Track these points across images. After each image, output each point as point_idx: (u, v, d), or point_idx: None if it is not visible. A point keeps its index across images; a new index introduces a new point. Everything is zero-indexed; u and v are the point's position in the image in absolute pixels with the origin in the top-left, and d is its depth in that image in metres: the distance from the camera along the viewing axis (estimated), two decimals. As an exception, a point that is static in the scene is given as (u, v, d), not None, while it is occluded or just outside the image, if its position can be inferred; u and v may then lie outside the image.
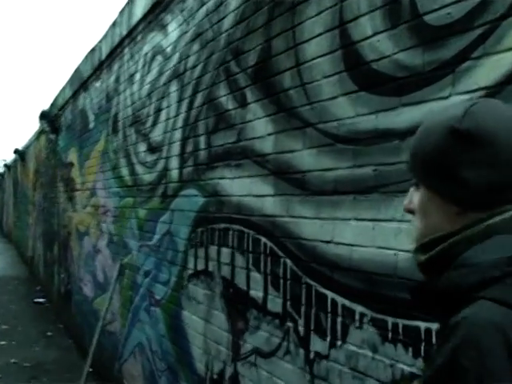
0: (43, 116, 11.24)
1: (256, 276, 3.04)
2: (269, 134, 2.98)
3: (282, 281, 2.79)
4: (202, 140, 3.89)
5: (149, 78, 5.24)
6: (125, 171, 5.82)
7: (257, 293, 3.02)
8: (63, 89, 10.53)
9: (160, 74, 4.90)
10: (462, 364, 0.83)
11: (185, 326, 4.04)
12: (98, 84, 7.51)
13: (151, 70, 5.18)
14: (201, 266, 3.82)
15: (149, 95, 5.20)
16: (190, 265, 4.01)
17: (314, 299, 2.54)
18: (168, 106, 4.64)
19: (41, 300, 11.23)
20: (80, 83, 8.72)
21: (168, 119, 4.63)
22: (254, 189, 3.08)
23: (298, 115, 2.72)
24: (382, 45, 2.17)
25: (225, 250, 3.43)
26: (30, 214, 16.38)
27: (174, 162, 4.42)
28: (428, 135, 1.05)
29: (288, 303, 2.73)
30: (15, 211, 22.89)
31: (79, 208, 8.39)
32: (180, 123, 4.34)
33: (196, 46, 4.07)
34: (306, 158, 2.64)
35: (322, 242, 2.48)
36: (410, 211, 1.14)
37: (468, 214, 1.01)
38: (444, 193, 1.03)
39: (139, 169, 5.33)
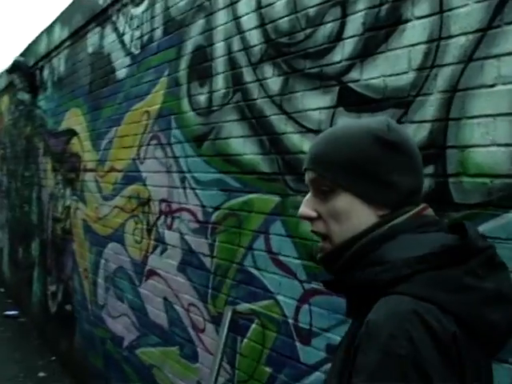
0: (16, 68, 8.30)
1: None
2: None
3: None
4: None
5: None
6: (241, 145, 3.24)
7: None
8: (48, 29, 7.66)
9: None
10: (399, 353, 0.90)
11: None
12: (139, 10, 4.81)
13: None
14: None
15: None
16: None
17: None
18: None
19: (13, 313, 8.38)
20: (91, 15, 5.94)
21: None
22: None
23: None
24: None
25: None
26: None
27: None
28: (352, 145, 1.12)
29: None
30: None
31: (94, 198, 5.67)
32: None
33: None
34: None
35: None
36: (311, 218, 1.17)
37: (386, 215, 1.11)
38: (373, 196, 1.11)
39: (297, 142, 2.78)
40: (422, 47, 2.14)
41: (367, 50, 2.39)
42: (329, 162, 1.14)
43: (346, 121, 1.27)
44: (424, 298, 0.96)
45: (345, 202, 1.12)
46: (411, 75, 2.18)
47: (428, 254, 1.01)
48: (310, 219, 1.18)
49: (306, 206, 1.19)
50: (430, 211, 1.17)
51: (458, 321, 0.96)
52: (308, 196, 1.20)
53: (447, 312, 0.95)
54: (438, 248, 1.02)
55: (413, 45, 2.18)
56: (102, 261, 5.38)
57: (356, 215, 1.12)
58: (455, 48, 2.01)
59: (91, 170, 5.78)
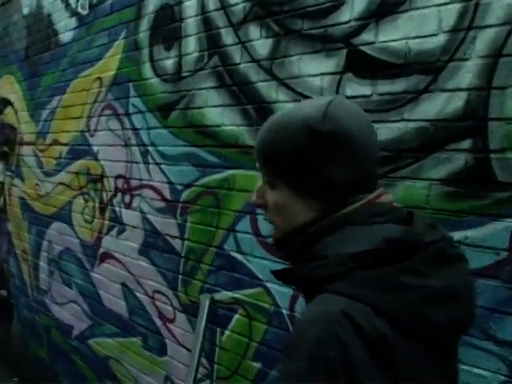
0: None
1: None
2: None
3: None
4: None
5: None
6: (219, 115, 2.92)
7: None
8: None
9: None
10: (327, 357, 0.85)
11: None
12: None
13: None
14: None
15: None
16: None
17: None
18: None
19: None
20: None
21: None
22: None
23: None
24: None
25: None
26: None
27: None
28: (284, 135, 1.05)
29: None
30: None
31: (34, 174, 5.18)
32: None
33: None
34: None
35: None
36: (261, 206, 1.14)
37: (327, 208, 1.04)
38: (306, 190, 1.05)
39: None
40: (456, 6, 1.88)
41: (384, 8, 2.11)
42: (265, 153, 1.10)
43: (295, 105, 1.20)
44: (357, 298, 0.91)
45: (282, 194, 1.08)
46: (442, 38, 1.92)
47: (365, 251, 0.95)
48: (260, 206, 1.15)
49: (256, 193, 1.15)
50: (387, 198, 1.08)
51: (391, 322, 0.90)
52: (261, 182, 1.16)
53: (380, 313, 0.90)
54: (377, 244, 0.95)
55: (444, 4, 1.92)
56: (45, 242, 4.93)
57: (292, 209, 1.07)
58: (500, 8, 1.77)
59: (29, 144, 5.27)
